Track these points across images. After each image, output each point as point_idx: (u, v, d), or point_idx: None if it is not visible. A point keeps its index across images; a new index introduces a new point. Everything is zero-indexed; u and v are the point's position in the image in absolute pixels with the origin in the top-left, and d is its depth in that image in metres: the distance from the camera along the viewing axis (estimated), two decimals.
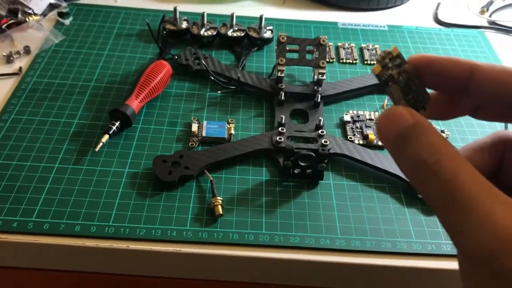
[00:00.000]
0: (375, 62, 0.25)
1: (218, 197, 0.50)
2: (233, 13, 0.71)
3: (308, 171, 0.53)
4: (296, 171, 0.53)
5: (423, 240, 0.49)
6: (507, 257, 0.18)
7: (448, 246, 0.48)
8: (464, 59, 0.25)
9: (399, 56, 0.25)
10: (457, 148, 0.22)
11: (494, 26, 0.81)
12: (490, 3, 0.84)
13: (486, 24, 0.82)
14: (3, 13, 0.71)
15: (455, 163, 0.20)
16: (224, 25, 0.72)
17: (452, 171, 0.20)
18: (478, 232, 0.19)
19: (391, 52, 0.25)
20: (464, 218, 0.19)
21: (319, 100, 0.61)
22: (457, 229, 0.19)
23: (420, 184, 0.21)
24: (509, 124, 0.59)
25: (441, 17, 0.82)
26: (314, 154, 0.51)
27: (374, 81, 0.65)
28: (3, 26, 0.69)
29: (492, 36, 0.79)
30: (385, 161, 0.54)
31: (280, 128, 0.57)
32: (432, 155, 0.21)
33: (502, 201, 0.19)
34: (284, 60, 0.62)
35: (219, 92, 0.64)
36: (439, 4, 0.85)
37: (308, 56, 0.63)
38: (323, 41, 0.62)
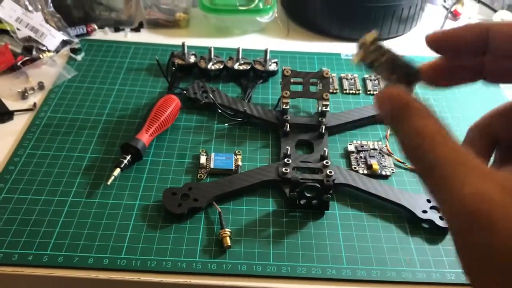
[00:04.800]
0: (355, 54, 0.27)
1: (226, 229, 0.51)
2: (239, 47, 0.73)
3: (314, 201, 0.54)
4: (302, 202, 0.54)
5: (428, 269, 0.50)
6: (470, 231, 0.20)
7: (452, 275, 0.49)
8: (474, 24, 0.26)
9: (375, 40, 0.26)
10: (440, 123, 0.23)
11: None
12: None
13: None
14: (19, 50, 0.74)
15: (435, 146, 0.22)
16: (230, 58, 0.75)
17: (431, 154, 0.22)
18: (449, 207, 0.21)
19: (367, 40, 0.26)
20: (441, 195, 0.21)
21: (323, 131, 0.63)
22: (439, 204, 0.22)
23: (411, 162, 0.23)
24: None
25: None
26: (319, 185, 0.53)
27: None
28: (19, 63, 0.72)
29: None
30: (389, 190, 0.56)
31: (285, 159, 0.58)
32: (414, 139, 0.22)
33: (477, 173, 0.20)
34: (289, 92, 0.64)
35: (227, 124, 0.66)
36: None
37: (312, 88, 0.65)
38: (326, 74, 0.64)
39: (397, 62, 0.26)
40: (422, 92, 0.70)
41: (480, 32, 0.26)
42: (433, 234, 0.53)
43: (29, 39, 0.74)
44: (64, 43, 0.78)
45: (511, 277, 0.19)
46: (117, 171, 0.56)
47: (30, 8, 0.75)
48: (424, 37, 0.27)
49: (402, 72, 0.26)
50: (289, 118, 0.64)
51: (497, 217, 0.19)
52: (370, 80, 0.75)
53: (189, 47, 0.75)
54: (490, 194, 0.20)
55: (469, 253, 0.20)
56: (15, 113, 0.66)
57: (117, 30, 0.84)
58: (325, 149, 0.60)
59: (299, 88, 0.65)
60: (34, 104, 0.67)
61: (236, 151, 0.62)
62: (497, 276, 0.19)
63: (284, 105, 0.64)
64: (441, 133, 0.22)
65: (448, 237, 0.53)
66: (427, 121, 0.23)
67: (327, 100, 0.64)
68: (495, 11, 0.94)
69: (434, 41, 0.27)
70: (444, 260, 0.50)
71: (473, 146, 0.28)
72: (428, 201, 0.55)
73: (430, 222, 0.53)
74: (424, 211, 0.54)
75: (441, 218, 0.53)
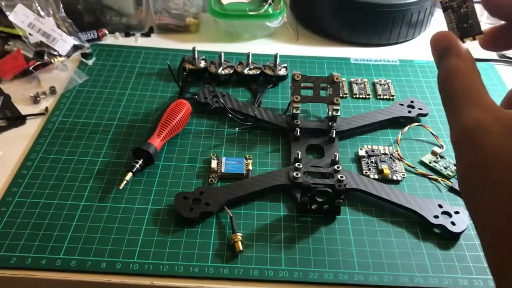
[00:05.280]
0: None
1: (238, 233, 0.51)
2: (249, 52, 0.74)
3: (325, 206, 0.54)
4: (313, 207, 0.54)
5: (440, 275, 0.49)
6: (464, 148, 0.24)
7: (464, 280, 0.49)
8: None
9: None
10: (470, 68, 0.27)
11: (504, 59, 0.83)
12: None
13: (496, 57, 0.83)
14: (31, 55, 0.75)
15: (456, 79, 0.26)
16: (240, 63, 0.75)
17: (451, 85, 0.27)
18: (453, 130, 0.26)
19: None
20: (450, 122, 0.26)
21: (334, 135, 0.63)
22: (452, 115, 0.26)
23: (439, 92, 0.28)
24: None
25: None
26: (331, 190, 0.53)
27: (387, 116, 0.67)
28: (31, 68, 0.73)
29: (502, 69, 0.80)
30: (400, 195, 0.56)
31: (296, 164, 0.58)
32: (445, 72, 0.27)
33: (481, 106, 0.25)
34: (299, 97, 0.64)
35: (237, 128, 0.66)
36: None
37: (322, 93, 0.65)
38: (337, 78, 0.64)
39: (471, 16, 0.31)
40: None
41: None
42: (445, 239, 0.53)
43: (41, 44, 0.75)
44: (75, 48, 0.78)
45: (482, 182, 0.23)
46: (129, 176, 0.56)
47: (42, 13, 0.75)
48: None
49: (467, 26, 0.31)
50: (299, 122, 0.64)
51: (488, 137, 0.23)
52: (380, 84, 0.75)
53: (199, 52, 0.75)
54: (485, 122, 0.24)
55: (461, 166, 0.25)
56: (27, 117, 0.67)
57: (127, 35, 0.85)
58: (336, 153, 0.60)
59: (309, 92, 0.65)
60: (46, 109, 0.68)
61: (247, 156, 0.62)
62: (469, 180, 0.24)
63: (295, 110, 0.64)
64: (466, 72, 0.26)
65: (460, 243, 0.53)
66: (460, 61, 0.27)
67: (338, 104, 0.64)
68: None
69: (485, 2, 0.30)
70: (456, 266, 0.50)
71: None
72: (440, 206, 0.55)
73: (442, 227, 0.53)
74: (436, 216, 0.54)
75: (452, 223, 0.53)
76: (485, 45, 0.31)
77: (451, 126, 0.26)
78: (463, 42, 0.30)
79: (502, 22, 0.30)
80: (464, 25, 0.31)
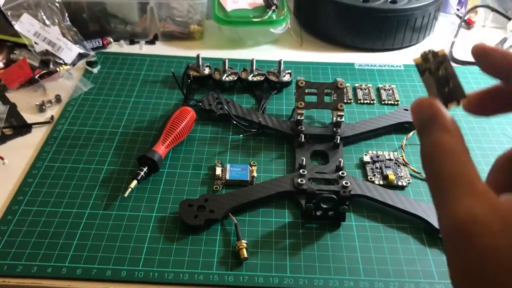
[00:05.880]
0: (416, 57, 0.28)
1: (243, 240, 0.51)
2: (253, 58, 0.74)
3: (330, 213, 0.54)
4: (318, 213, 0.54)
5: (446, 281, 0.49)
6: (458, 247, 0.21)
7: None
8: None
9: (443, 56, 0.28)
10: (459, 143, 0.24)
11: None
12: (504, 40, 0.86)
13: None
14: (36, 64, 0.75)
15: (445, 161, 0.23)
16: (244, 70, 0.75)
17: (440, 168, 0.23)
18: (443, 221, 0.22)
19: (436, 52, 0.28)
20: (439, 209, 0.23)
21: (338, 141, 0.63)
22: (437, 216, 0.23)
23: (424, 171, 0.24)
24: None
25: (456, 55, 0.84)
26: (335, 196, 0.53)
27: (392, 121, 0.67)
28: (36, 77, 0.74)
29: None
30: (405, 201, 0.55)
31: (301, 170, 0.58)
32: (430, 149, 0.24)
33: (476, 196, 0.22)
34: (303, 103, 0.64)
35: (241, 135, 0.66)
36: (453, 42, 0.87)
37: (327, 99, 0.65)
38: (341, 84, 0.64)
39: (451, 78, 0.27)
40: None
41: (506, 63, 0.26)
42: None
43: (46, 52, 0.76)
44: (80, 56, 0.79)
45: None
46: (134, 183, 0.57)
47: (47, 22, 0.76)
48: (471, 48, 0.27)
49: (449, 90, 0.27)
50: (303, 128, 0.64)
51: (487, 239, 0.20)
52: (385, 90, 0.75)
53: (203, 59, 0.75)
54: (482, 216, 0.21)
55: (455, 266, 0.21)
56: (33, 126, 0.67)
57: (132, 42, 0.85)
58: (340, 159, 0.60)
59: (314, 98, 0.65)
60: (52, 117, 0.68)
61: (251, 162, 0.62)
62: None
63: (299, 116, 0.64)
64: (455, 150, 0.23)
65: None
66: (447, 136, 0.23)
67: (342, 110, 0.64)
68: (509, 19, 0.93)
69: (477, 52, 0.27)
70: None
71: (500, 175, 0.27)
72: None
73: None
74: None
75: None
76: (471, 109, 0.28)
77: (440, 215, 0.23)
78: (447, 108, 0.26)
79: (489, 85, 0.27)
80: (446, 90, 0.27)
